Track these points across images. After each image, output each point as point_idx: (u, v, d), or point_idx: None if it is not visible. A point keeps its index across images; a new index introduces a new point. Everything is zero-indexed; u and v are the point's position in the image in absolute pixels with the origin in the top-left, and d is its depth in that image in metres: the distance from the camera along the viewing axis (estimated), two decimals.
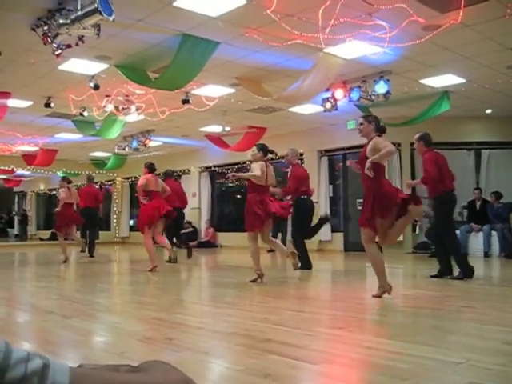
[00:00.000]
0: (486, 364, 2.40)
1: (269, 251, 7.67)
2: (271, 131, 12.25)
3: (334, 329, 3.41)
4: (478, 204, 10.17)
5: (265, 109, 10.52)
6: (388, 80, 8.20)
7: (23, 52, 7.13)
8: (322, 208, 12.28)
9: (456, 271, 6.09)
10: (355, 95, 8.53)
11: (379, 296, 4.63)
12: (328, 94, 8.94)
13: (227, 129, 12.20)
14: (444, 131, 10.27)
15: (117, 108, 9.60)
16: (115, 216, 19.11)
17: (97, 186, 12.42)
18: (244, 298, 5.02)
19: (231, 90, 9.14)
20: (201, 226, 15.59)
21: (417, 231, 11.06)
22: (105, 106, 9.46)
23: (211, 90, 9.15)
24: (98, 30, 5.55)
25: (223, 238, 14.98)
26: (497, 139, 11.36)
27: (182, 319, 3.79)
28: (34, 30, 6.04)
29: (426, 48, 6.95)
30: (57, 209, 9.93)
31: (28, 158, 15.44)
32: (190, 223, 15.02)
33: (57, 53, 6.01)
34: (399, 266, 8.25)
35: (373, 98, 8.41)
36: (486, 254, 9.72)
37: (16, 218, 24.43)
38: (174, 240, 9.04)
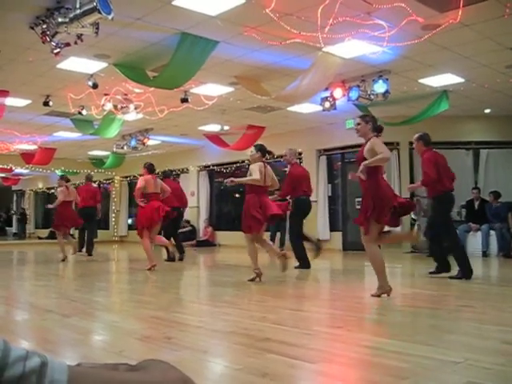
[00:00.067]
0: (484, 363, 2.41)
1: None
2: (270, 130, 12.25)
3: (333, 328, 3.41)
4: (476, 204, 10.18)
5: (263, 108, 10.51)
6: (387, 79, 8.20)
7: (22, 50, 7.12)
8: (322, 207, 12.30)
9: (455, 270, 6.09)
10: (354, 94, 8.53)
11: (378, 296, 4.63)
12: (327, 93, 8.94)
13: (226, 128, 12.20)
14: (443, 131, 10.28)
15: (115, 107, 9.59)
16: (114, 215, 19.11)
17: (95, 185, 12.40)
18: (242, 297, 5.03)
19: (230, 89, 9.14)
20: (199, 225, 15.59)
21: (415, 231, 11.05)
22: (103, 105, 9.44)
23: (210, 89, 9.14)
24: (97, 28, 5.54)
25: (222, 236, 14.98)
26: (495, 139, 11.37)
27: (181, 318, 3.79)
28: (32, 28, 6.03)
29: (425, 47, 6.95)
30: (50, 205, 9.94)
31: (26, 157, 15.42)
32: (188, 222, 15.03)
33: (55, 51, 6.00)
34: (398, 266, 8.25)
35: (372, 97, 8.41)
36: (485, 254, 9.73)
37: (15, 217, 24.42)
38: (172, 241, 9.05)
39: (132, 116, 10.14)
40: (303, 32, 6.34)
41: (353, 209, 11.48)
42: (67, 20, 5.49)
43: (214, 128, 12.42)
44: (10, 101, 9.51)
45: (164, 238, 8.53)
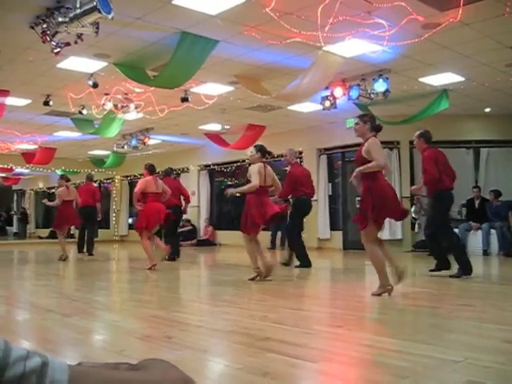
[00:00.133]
0: (484, 362, 2.41)
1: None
2: (270, 129, 12.24)
3: (333, 327, 3.42)
4: (476, 202, 10.18)
5: (264, 107, 10.51)
6: (387, 78, 8.20)
7: (22, 50, 7.12)
8: (322, 206, 12.29)
9: (455, 269, 6.09)
10: (354, 93, 8.52)
11: (379, 295, 4.63)
12: (327, 93, 8.94)
13: (226, 127, 12.19)
14: (443, 129, 10.27)
15: (116, 106, 9.59)
16: (114, 214, 19.12)
17: (95, 185, 12.40)
18: (243, 297, 5.03)
19: (230, 88, 9.14)
20: (200, 225, 15.59)
21: (416, 229, 11.06)
22: (104, 104, 9.44)
23: (210, 88, 9.14)
24: (97, 28, 5.54)
25: (222, 236, 14.98)
26: (496, 137, 11.36)
27: (181, 317, 3.79)
28: (32, 28, 6.03)
29: (425, 46, 6.95)
30: (48, 202, 9.94)
31: (27, 157, 15.43)
32: (188, 221, 15.03)
33: (56, 51, 6.00)
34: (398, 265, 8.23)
35: (372, 96, 8.41)
36: (485, 253, 9.74)
37: (15, 217, 24.42)
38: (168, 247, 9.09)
39: (132, 115, 10.14)
40: (303, 31, 6.34)
41: (353, 208, 11.46)
42: (67, 19, 5.49)
43: (214, 127, 12.42)
44: (10, 100, 9.51)
45: (162, 243, 8.52)
